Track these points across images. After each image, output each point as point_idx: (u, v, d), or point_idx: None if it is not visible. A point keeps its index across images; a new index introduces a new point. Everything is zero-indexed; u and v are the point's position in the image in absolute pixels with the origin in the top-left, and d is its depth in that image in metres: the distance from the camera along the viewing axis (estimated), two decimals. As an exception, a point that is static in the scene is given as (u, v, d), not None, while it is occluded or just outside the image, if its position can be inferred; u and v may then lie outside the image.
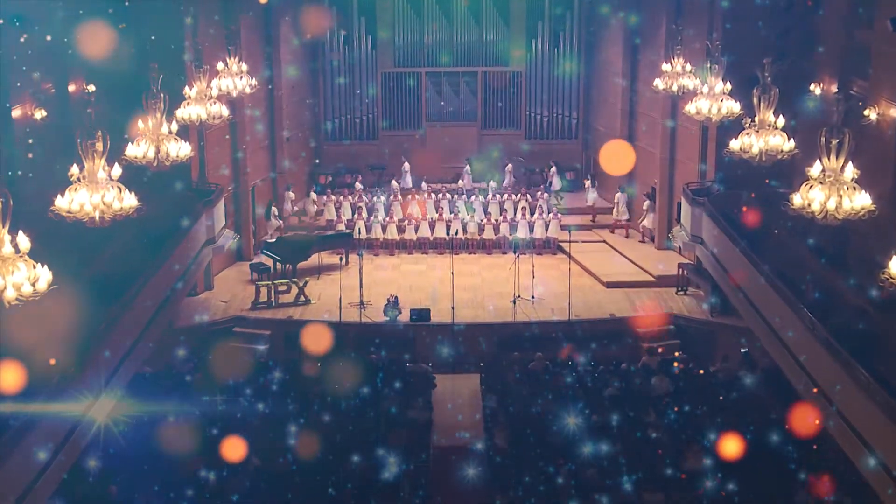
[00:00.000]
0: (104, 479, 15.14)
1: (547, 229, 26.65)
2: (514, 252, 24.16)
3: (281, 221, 27.43)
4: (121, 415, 15.80)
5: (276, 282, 23.37)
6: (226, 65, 19.88)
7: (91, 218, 12.37)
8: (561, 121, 31.13)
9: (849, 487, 14.81)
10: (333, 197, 28.17)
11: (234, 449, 15.82)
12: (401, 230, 27.00)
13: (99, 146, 12.29)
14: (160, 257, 18.73)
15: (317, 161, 30.80)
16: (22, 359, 12.78)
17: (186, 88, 18.09)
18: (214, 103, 18.30)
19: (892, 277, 10.82)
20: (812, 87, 20.77)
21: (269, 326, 22.27)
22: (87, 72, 20.43)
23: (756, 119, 15.14)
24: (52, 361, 13.74)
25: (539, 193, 28.34)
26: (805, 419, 15.71)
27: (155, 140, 15.35)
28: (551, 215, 26.90)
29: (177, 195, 21.38)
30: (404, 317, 22.08)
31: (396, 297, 22.39)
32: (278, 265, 24.35)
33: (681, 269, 23.88)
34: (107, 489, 14.97)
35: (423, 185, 28.85)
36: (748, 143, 15.14)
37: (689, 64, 20.48)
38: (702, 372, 19.96)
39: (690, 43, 21.65)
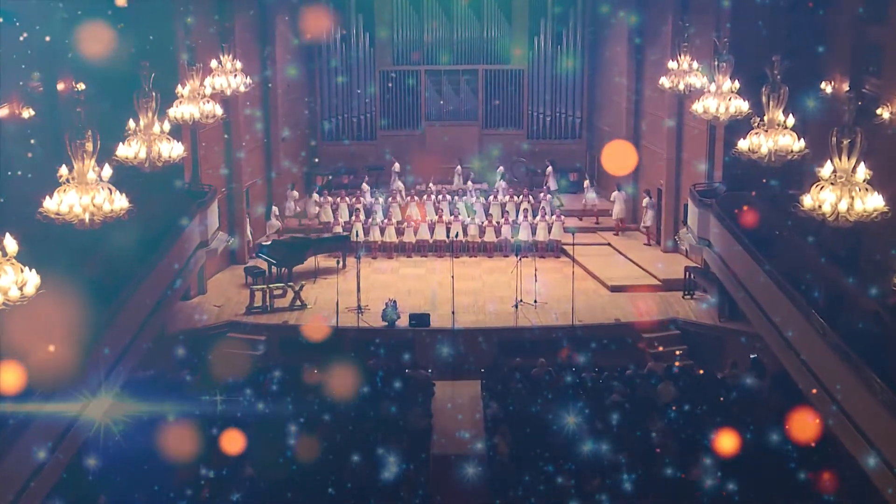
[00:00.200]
0: (104, 478, 15.30)
1: (549, 232, 26.62)
2: (516, 255, 24.13)
3: (280, 223, 27.40)
4: (120, 414, 15.93)
5: (271, 286, 23.33)
6: (219, 62, 19.85)
7: (81, 220, 12.33)
8: (564, 120, 31.14)
9: (850, 486, 14.89)
10: (330, 198, 28.14)
11: (233, 442, 15.95)
12: (399, 232, 26.96)
13: (89, 146, 12.25)
14: (157, 255, 18.84)
15: (316, 160, 30.80)
16: (20, 358, 12.89)
17: (179, 87, 18.06)
18: (208, 102, 18.28)
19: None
20: (823, 85, 20.73)
21: (264, 332, 22.22)
22: (78, 71, 20.42)
23: (765, 118, 15.11)
24: (51, 348, 13.80)
25: (542, 195, 28.32)
26: (805, 424, 15.75)
27: (147, 140, 15.32)
28: (554, 217, 26.86)
29: (169, 197, 21.35)
30: (403, 322, 22.05)
31: (395, 302, 22.35)
32: (273, 269, 24.32)
33: (687, 273, 23.83)
34: (104, 492, 15.11)
35: (431, 185, 28.84)
36: (757, 142, 15.08)
37: (695, 62, 20.43)
38: (702, 372, 20.01)
39: (697, 40, 21.61)
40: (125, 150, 15.25)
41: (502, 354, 21.46)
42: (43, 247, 14.07)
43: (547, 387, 18.93)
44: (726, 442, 15.84)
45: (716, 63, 18.03)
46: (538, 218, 26.82)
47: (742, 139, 15.36)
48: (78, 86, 18.93)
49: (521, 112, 31.40)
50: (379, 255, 26.68)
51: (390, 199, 28.02)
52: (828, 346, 15.00)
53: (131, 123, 15.43)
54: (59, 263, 15.06)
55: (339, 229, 26.99)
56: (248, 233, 26.38)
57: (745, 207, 20.23)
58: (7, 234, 10.17)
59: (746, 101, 17.68)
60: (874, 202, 12.08)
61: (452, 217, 26.97)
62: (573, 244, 25.02)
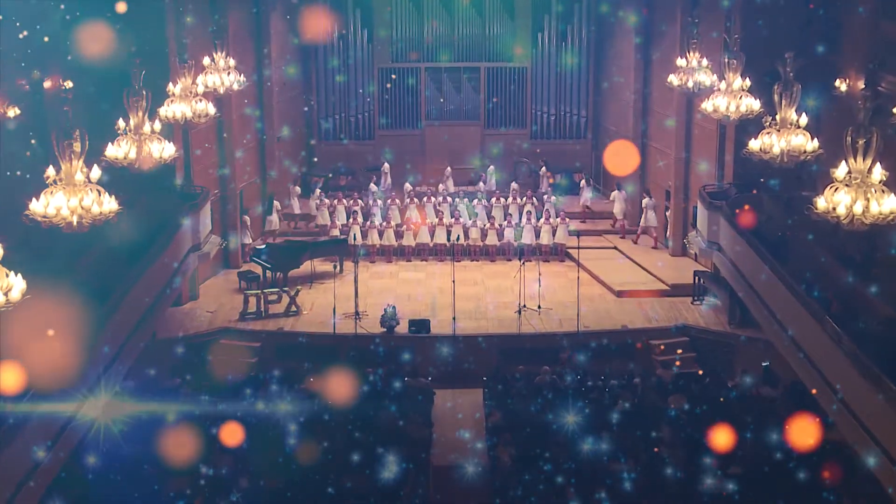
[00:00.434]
0: (103, 478, 15.44)
1: (554, 235, 26.58)
2: (519, 259, 24.11)
3: (279, 222, 27.36)
4: (119, 414, 16.10)
5: (265, 291, 23.30)
6: (212, 60, 19.84)
7: (68, 223, 12.31)
8: (569, 119, 31.12)
9: (851, 485, 15.01)
10: (327, 200, 28.12)
11: (232, 435, 16.14)
12: (399, 236, 26.94)
13: (77, 146, 12.23)
14: (154, 250, 19.03)
15: (315, 160, 30.81)
16: (18, 357, 13.05)
17: (171, 85, 18.04)
18: (200, 101, 18.26)
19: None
20: (837, 83, 20.69)
21: (258, 338, 22.20)
22: (79, 70, 20.45)
23: (777, 117, 15.08)
24: (50, 332, 13.89)
25: (545, 196, 28.28)
26: (805, 432, 15.82)
27: (137, 140, 15.31)
28: (558, 220, 26.82)
29: (160, 198, 21.35)
30: (402, 328, 22.02)
31: (394, 307, 22.32)
32: (268, 273, 24.28)
33: (697, 278, 23.80)
34: (105, 490, 15.27)
35: (441, 186, 28.88)
36: (769, 142, 15.05)
37: (705, 59, 20.38)
38: (701, 372, 20.08)
39: (706, 36, 21.58)
40: (114, 151, 15.23)
41: (505, 361, 21.42)
42: (35, 246, 14.26)
43: (550, 392, 18.89)
44: (722, 438, 15.95)
45: (726, 60, 17.99)
46: (542, 220, 26.79)
47: (753, 139, 15.33)
48: (65, 83, 18.91)
49: (525, 111, 31.37)
50: (378, 259, 26.66)
51: (389, 200, 27.99)
52: (843, 353, 14.98)
53: (121, 123, 15.43)
54: (51, 263, 15.29)
55: (336, 232, 26.97)
56: (248, 236, 26.33)
57: (746, 207, 20.24)
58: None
59: (758, 100, 17.66)
60: (890, 204, 12.03)
61: (453, 220, 26.95)
62: (578, 247, 24.99)
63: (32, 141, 19.06)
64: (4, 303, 10.25)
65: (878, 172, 12.07)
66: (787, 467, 15.58)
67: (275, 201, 27.38)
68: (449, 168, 29.90)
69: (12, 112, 19.35)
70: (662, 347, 21.66)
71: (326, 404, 18.07)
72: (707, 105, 18.20)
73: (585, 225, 28.15)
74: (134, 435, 16.20)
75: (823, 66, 20.82)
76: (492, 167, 29.99)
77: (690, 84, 20.35)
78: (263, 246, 25.19)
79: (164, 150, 15.59)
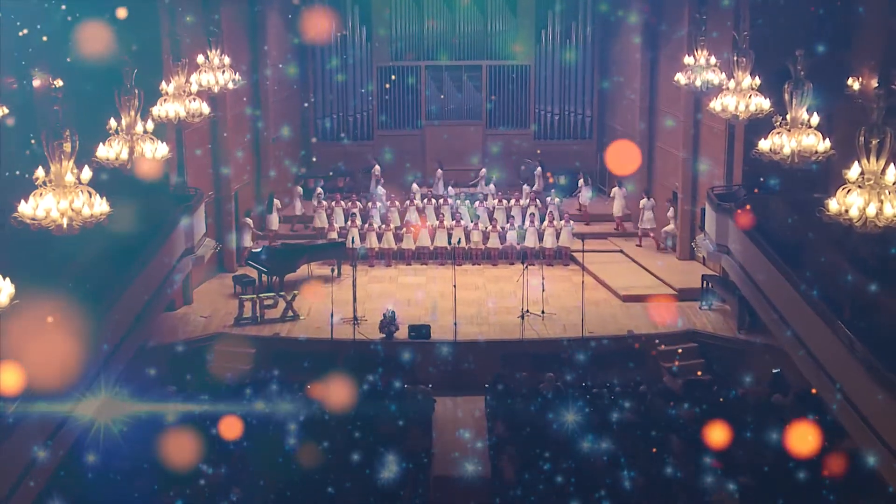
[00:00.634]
0: (103, 477, 15.55)
1: (558, 238, 26.54)
2: (522, 263, 24.05)
3: (278, 221, 27.32)
4: (118, 413, 16.25)
5: (261, 295, 23.27)
6: (206, 58, 19.81)
7: (58, 225, 12.27)
8: (573, 119, 31.10)
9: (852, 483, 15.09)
10: (325, 202, 28.09)
11: (231, 428, 16.28)
12: (398, 239, 26.90)
13: (67, 146, 12.20)
14: (150, 249, 19.12)
15: (314, 159, 30.80)
16: (18, 356, 13.16)
17: (164, 83, 18.02)
18: (194, 100, 18.24)
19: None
20: (850, 81, 20.66)
21: (253, 344, 22.16)
22: (78, 71, 20.48)
23: (787, 117, 15.04)
24: (49, 319, 13.93)
25: (549, 199, 28.24)
26: (805, 439, 15.89)
27: (129, 140, 15.28)
28: (562, 222, 26.79)
29: (154, 200, 21.33)
30: (402, 333, 21.98)
31: (394, 312, 22.30)
32: (264, 277, 24.25)
33: (705, 282, 23.76)
34: (105, 489, 15.39)
35: (451, 189, 28.87)
36: (779, 143, 15.01)
37: (713, 57, 20.35)
38: (700, 374, 19.97)
39: (715, 33, 21.55)
40: (105, 151, 15.21)
41: (507, 368, 21.38)
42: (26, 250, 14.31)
43: (552, 399, 18.90)
44: (717, 435, 16.05)
45: (735, 58, 17.96)
46: (545, 223, 26.75)
47: (763, 139, 15.29)
48: (56, 82, 18.90)
49: (528, 110, 31.33)
50: (377, 263, 26.62)
51: (388, 202, 27.97)
52: (855, 359, 14.94)
53: (112, 123, 15.40)
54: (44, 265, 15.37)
55: (334, 235, 26.93)
56: (248, 239, 26.28)
57: (748, 207, 20.23)
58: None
59: (768, 99, 17.62)
60: (905, 206, 12.01)
61: (454, 222, 26.91)
62: (583, 251, 24.96)
63: (32, 141, 19.07)
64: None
65: (892, 173, 12.02)
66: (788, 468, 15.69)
67: (275, 200, 27.34)
68: (440, 171, 29.82)
69: (0, 112, 19.36)
70: (662, 347, 21.62)
71: (325, 409, 18.12)
72: (715, 104, 18.16)
73: (590, 227, 28.13)
74: (133, 435, 16.37)
75: (835, 65, 20.81)
76: (483, 169, 29.91)
77: (698, 83, 20.31)
78: (260, 249, 25.17)
79: (157, 150, 15.56)
